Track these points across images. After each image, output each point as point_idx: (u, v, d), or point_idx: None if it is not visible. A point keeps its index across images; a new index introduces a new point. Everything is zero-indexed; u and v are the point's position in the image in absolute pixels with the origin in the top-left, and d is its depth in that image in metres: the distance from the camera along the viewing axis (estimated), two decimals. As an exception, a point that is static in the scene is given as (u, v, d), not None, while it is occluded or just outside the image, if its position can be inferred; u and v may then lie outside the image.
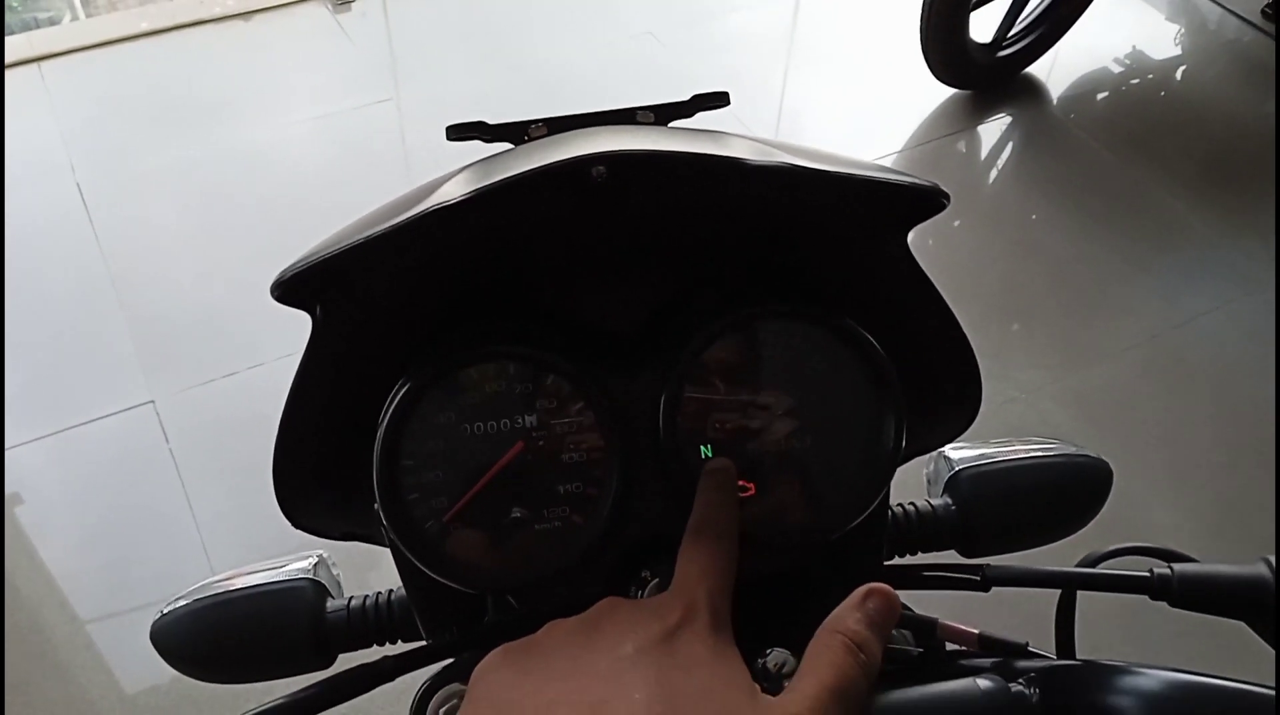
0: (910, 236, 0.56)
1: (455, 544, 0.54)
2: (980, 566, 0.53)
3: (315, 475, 0.58)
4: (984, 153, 2.90)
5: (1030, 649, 0.48)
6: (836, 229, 0.55)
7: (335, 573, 0.71)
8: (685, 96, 0.63)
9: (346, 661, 0.63)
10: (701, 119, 0.62)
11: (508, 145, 0.61)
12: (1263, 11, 3.31)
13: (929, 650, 0.53)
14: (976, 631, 0.48)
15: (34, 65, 3.03)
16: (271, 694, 0.53)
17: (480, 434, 0.54)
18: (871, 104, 3.01)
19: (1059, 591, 0.54)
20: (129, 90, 2.99)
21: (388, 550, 0.57)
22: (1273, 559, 0.48)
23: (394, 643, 0.66)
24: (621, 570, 0.55)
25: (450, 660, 0.57)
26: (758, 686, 0.41)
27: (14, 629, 1.84)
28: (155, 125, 2.87)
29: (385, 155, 2.80)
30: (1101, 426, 2.17)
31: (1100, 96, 3.07)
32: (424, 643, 0.57)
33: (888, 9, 3.19)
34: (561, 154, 0.48)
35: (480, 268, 0.55)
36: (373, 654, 0.58)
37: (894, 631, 0.55)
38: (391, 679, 0.53)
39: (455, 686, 0.57)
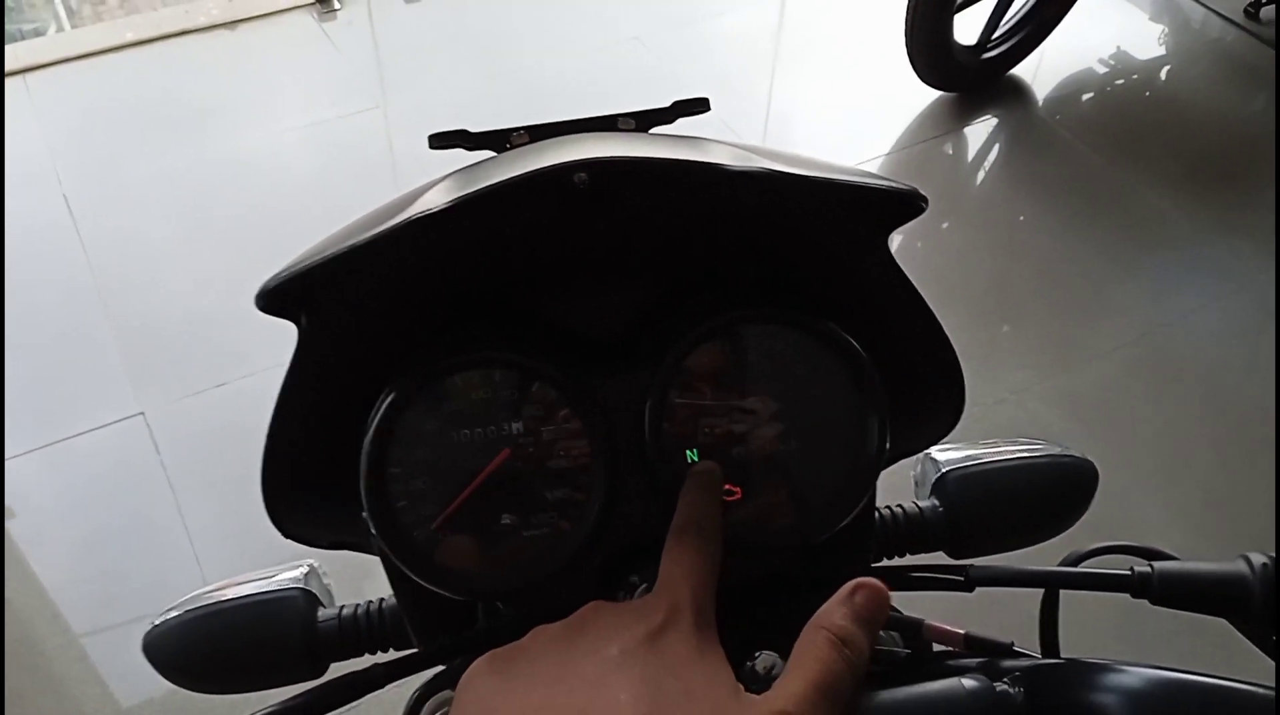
0: (897, 239, 0.57)
1: (444, 551, 0.54)
2: (964, 567, 0.53)
3: (303, 484, 0.58)
4: (970, 154, 2.91)
5: (1016, 648, 0.49)
6: (817, 233, 0.55)
7: (326, 582, 0.71)
8: (667, 103, 0.64)
9: (338, 671, 0.63)
10: (684, 124, 0.62)
11: (490, 153, 0.61)
12: (1245, 11, 3.33)
13: (915, 651, 0.54)
14: (962, 632, 0.49)
15: (20, 77, 3.02)
16: (264, 704, 0.53)
17: (467, 441, 0.54)
18: (858, 107, 3.02)
19: (1043, 591, 0.55)
20: (115, 101, 2.99)
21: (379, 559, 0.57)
22: (1252, 556, 0.48)
23: (385, 651, 0.66)
24: (609, 575, 0.55)
25: (441, 667, 0.57)
26: (741, 686, 0.41)
27: (7, 642, 1.83)
28: (142, 135, 2.86)
29: (372, 163, 2.80)
30: (1090, 426, 2.18)
31: (1085, 97, 3.08)
32: (415, 650, 0.58)
33: (872, 12, 3.20)
34: (543, 161, 0.48)
35: (464, 275, 0.56)
36: (365, 663, 0.58)
37: (881, 633, 0.56)
38: (382, 686, 0.53)
39: (446, 694, 0.57)
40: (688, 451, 0.55)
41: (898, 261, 0.56)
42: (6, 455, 2.10)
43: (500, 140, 0.62)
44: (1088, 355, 2.33)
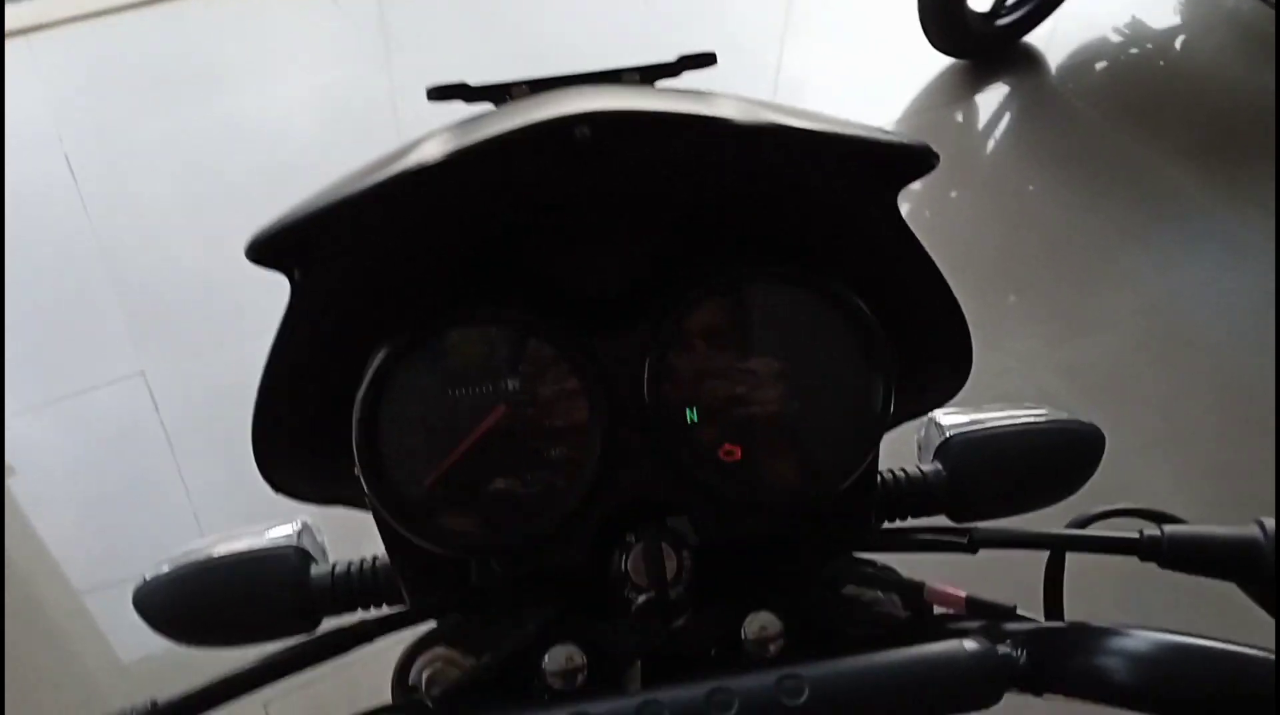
0: (906, 206, 0.55)
1: (437, 508, 0.53)
2: (968, 529, 0.52)
3: (295, 439, 0.57)
4: (981, 122, 2.88)
5: (1019, 612, 0.48)
6: (825, 190, 0.54)
7: (320, 539, 0.71)
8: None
9: (332, 627, 0.63)
10: (691, 81, 0.61)
11: (490, 106, 0.60)
12: (1263, -20, 3.28)
13: (916, 614, 0.53)
14: (964, 595, 0.48)
15: (23, 37, 2.99)
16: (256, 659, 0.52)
17: (462, 398, 0.53)
18: (869, 72, 2.99)
19: (1048, 554, 0.54)
20: (118, 62, 2.96)
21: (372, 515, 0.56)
22: (1266, 520, 0.47)
23: (379, 607, 0.65)
24: (605, 535, 0.54)
25: (434, 624, 0.57)
26: None
27: (7, 599, 1.84)
28: (145, 96, 2.84)
29: (376, 125, 2.78)
30: (1096, 396, 2.17)
31: (1099, 66, 3.04)
32: (406, 607, 0.57)
33: (885, -24, 3.16)
34: (543, 113, 0.47)
35: (461, 230, 0.54)
36: (358, 619, 0.58)
37: (880, 595, 0.55)
38: (371, 640, 0.53)
39: (439, 650, 0.56)
40: (687, 411, 0.54)
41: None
42: (6, 413, 2.10)
43: (500, 93, 0.60)
44: (1095, 326, 2.32)
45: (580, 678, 0.51)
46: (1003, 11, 2.90)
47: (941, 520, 0.68)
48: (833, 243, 0.56)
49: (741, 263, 0.54)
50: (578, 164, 0.50)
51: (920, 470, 0.69)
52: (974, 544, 0.52)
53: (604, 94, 0.52)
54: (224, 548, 0.66)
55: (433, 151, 0.46)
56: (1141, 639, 0.40)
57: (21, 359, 2.20)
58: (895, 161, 0.52)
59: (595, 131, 0.47)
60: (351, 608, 0.65)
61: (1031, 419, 0.71)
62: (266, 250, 0.49)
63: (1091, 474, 0.71)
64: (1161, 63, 3.08)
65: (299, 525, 0.69)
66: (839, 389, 0.55)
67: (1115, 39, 3.13)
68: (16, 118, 2.73)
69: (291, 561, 0.64)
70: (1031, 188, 2.68)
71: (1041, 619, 0.49)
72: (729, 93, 0.51)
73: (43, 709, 1.70)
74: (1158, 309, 2.35)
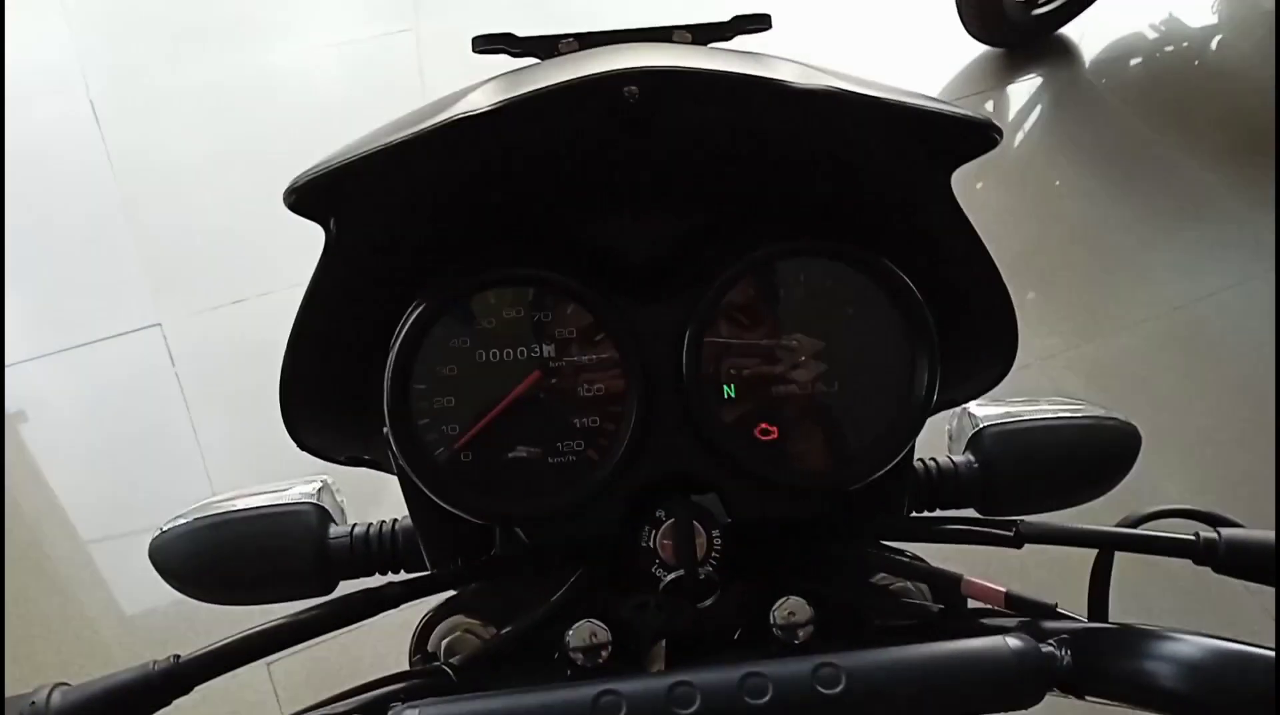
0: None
1: (465, 473, 0.52)
2: (1014, 522, 0.51)
3: (323, 394, 0.56)
4: (1012, 113, 2.85)
5: (1060, 610, 0.47)
6: (878, 163, 0.52)
7: (339, 499, 0.70)
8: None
9: (347, 590, 0.62)
10: (742, 44, 0.59)
11: (535, 60, 0.58)
12: (1304, -18, 3.22)
13: (950, 606, 0.52)
14: (1004, 590, 0.47)
15: (49, -23, 2.97)
16: (268, 618, 0.51)
17: (496, 361, 0.52)
18: (901, 57, 2.95)
19: (1084, 554, 0.52)
20: (147, 8, 2.94)
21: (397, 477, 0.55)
22: None
23: (396, 573, 0.64)
24: (634, 509, 0.53)
25: (454, 593, 0.56)
26: None
27: (14, 544, 1.84)
28: (172, 45, 2.82)
29: (402, 84, 2.75)
30: (1116, 396, 2.15)
31: (1133, 62, 3.00)
32: (428, 573, 0.56)
33: (922, -39, 3.11)
34: (592, 68, 0.45)
35: (502, 187, 0.53)
36: (374, 583, 0.57)
37: (913, 586, 0.54)
38: (396, 605, 0.52)
39: (459, 619, 0.55)
40: (724, 387, 0.53)
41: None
42: (22, 358, 2.09)
43: (548, 47, 0.59)
44: (1117, 325, 2.29)
45: (604, 654, 0.50)
46: (1041, 1, 2.85)
47: (970, 513, 0.67)
48: (882, 220, 0.55)
49: (787, 235, 0.53)
50: (624, 123, 0.48)
51: (951, 461, 0.67)
52: (1020, 538, 0.50)
53: (654, 51, 0.51)
54: (242, 503, 0.65)
55: (479, 101, 0.45)
56: (1189, 643, 0.39)
57: (39, 305, 2.20)
58: (955, 135, 0.50)
59: (644, 90, 0.45)
60: (369, 571, 0.63)
61: (1067, 414, 0.69)
62: (305, 196, 0.48)
63: (1126, 473, 0.69)
64: (1196, 62, 3.04)
65: (319, 484, 0.68)
66: (881, 372, 0.53)
67: (1151, 35, 3.09)
68: (42, 60, 2.71)
69: (310, 520, 0.63)
70: (1058, 182, 2.65)
71: (1082, 618, 0.48)
72: (784, 55, 0.49)
73: (41, 659, 1.70)
74: (1180, 311, 2.32)
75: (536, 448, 0.52)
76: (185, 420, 2.01)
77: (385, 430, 0.51)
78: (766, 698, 0.38)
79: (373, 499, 0.63)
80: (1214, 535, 0.47)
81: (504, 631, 0.51)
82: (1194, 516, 0.50)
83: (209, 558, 0.63)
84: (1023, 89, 2.89)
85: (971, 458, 0.67)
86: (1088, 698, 0.41)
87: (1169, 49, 3.06)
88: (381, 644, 1.55)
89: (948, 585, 0.50)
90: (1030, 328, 2.23)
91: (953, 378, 0.57)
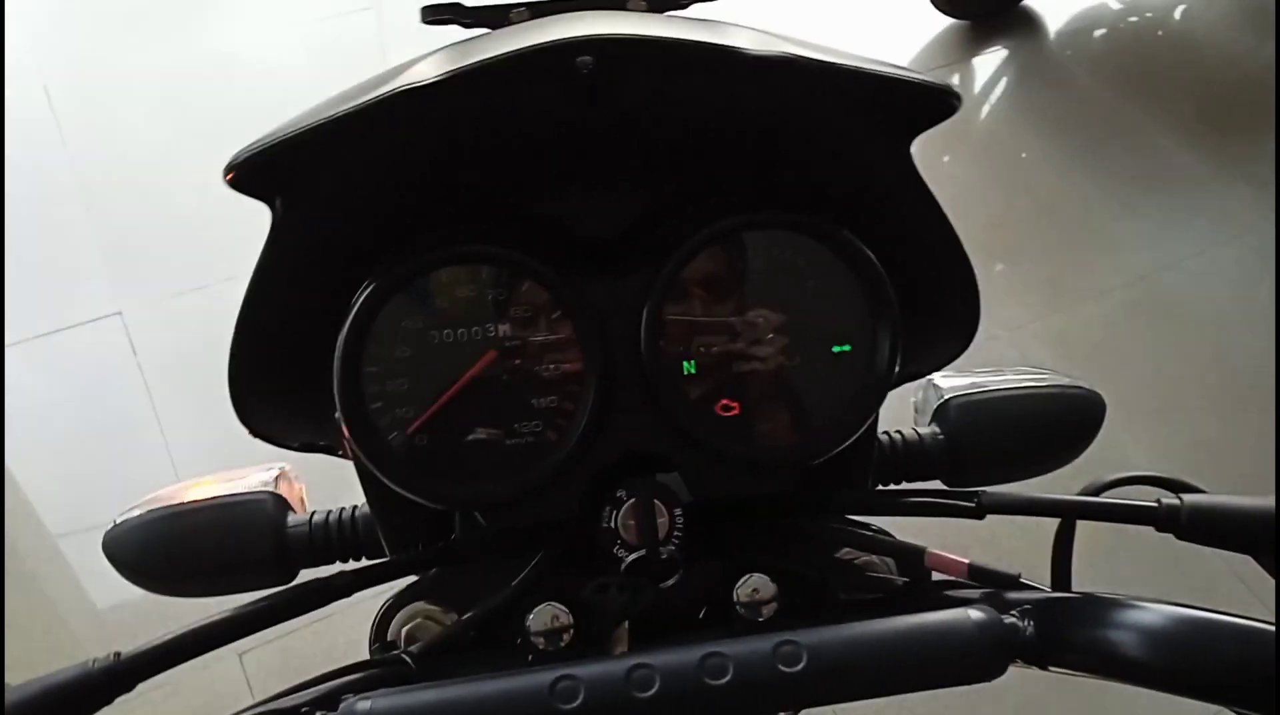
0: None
1: (420, 458, 0.51)
2: (975, 493, 0.50)
3: (274, 381, 0.55)
4: (978, 86, 2.84)
5: (1023, 580, 0.46)
6: (836, 132, 0.51)
7: (299, 486, 0.68)
8: (681, -12, 0.59)
9: (309, 578, 0.61)
10: (700, 12, 0.58)
11: (487, 31, 0.57)
12: (1266, -49, 3.24)
13: (914, 579, 0.51)
14: (966, 561, 0.46)
15: (0, -39, 2.91)
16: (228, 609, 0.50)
17: (450, 342, 0.51)
18: (867, 30, 2.94)
19: (1055, 523, 0.52)
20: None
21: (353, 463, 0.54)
22: None
23: (358, 560, 0.63)
24: (596, 490, 0.52)
25: (414, 578, 0.55)
26: None
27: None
28: (128, 27, 2.77)
29: (364, 65, 2.70)
30: (1083, 365, 2.16)
31: (1098, 33, 3.01)
32: (383, 560, 0.55)
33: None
34: (543, 37, 0.44)
35: (453, 162, 0.52)
36: (335, 571, 0.56)
37: (878, 560, 0.53)
38: (349, 594, 0.50)
39: (419, 605, 0.54)
40: (685, 363, 0.52)
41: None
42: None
43: (498, 16, 0.57)
44: (1083, 295, 2.30)
45: (566, 638, 0.49)
46: (1005, -28, 2.85)
47: (936, 485, 0.67)
48: (843, 191, 0.54)
49: (746, 208, 0.52)
50: (577, 94, 0.47)
51: (917, 433, 0.67)
52: (981, 509, 0.50)
53: (608, 19, 0.49)
54: (198, 493, 0.64)
55: (424, 73, 0.44)
56: (1153, 611, 0.39)
57: (-5, 296, 2.16)
58: (915, 102, 0.49)
59: (598, 59, 0.44)
60: (330, 559, 0.62)
61: (1031, 384, 0.69)
62: (246, 174, 0.46)
63: (1091, 441, 0.69)
64: (1160, 32, 3.05)
65: (276, 471, 0.67)
66: (843, 345, 0.53)
67: (1115, 6, 3.09)
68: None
69: (267, 509, 0.62)
70: (1024, 154, 2.65)
71: (1045, 588, 0.47)
72: (742, 23, 0.48)
73: (11, 655, 1.68)
74: (1146, 279, 2.34)
75: (494, 430, 0.51)
76: (149, 409, 1.99)
77: (337, 415, 0.50)
78: (727, 678, 0.37)
79: (347, 482, 0.62)
80: (1175, 502, 0.46)
81: (464, 618, 0.50)
82: (1156, 483, 0.50)
83: (164, 550, 0.62)
84: (989, 61, 2.89)
85: (937, 429, 0.67)
86: (1052, 668, 0.40)
87: (1133, 19, 3.07)
88: (357, 629, 1.54)
89: (912, 558, 0.50)
90: (998, 299, 2.25)
91: (916, 350, 0.57)
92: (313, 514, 0.63)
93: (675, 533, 0.51)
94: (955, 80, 2.83)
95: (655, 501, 0.51)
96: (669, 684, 0.37)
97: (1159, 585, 1.67)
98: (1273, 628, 0.38)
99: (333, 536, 0.62)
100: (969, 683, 0.39)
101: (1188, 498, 0.45)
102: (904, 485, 0.65)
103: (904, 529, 0.55)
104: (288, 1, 2.90)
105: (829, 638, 0.38)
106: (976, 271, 0.56)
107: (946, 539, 0.51)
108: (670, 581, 0.51)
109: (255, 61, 2.71)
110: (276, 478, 0.66)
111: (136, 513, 0.63)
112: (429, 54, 0.48)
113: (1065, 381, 0.70)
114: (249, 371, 0.53)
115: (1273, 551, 0.44)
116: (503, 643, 0.51)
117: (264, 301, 0.52)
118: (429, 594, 0.54)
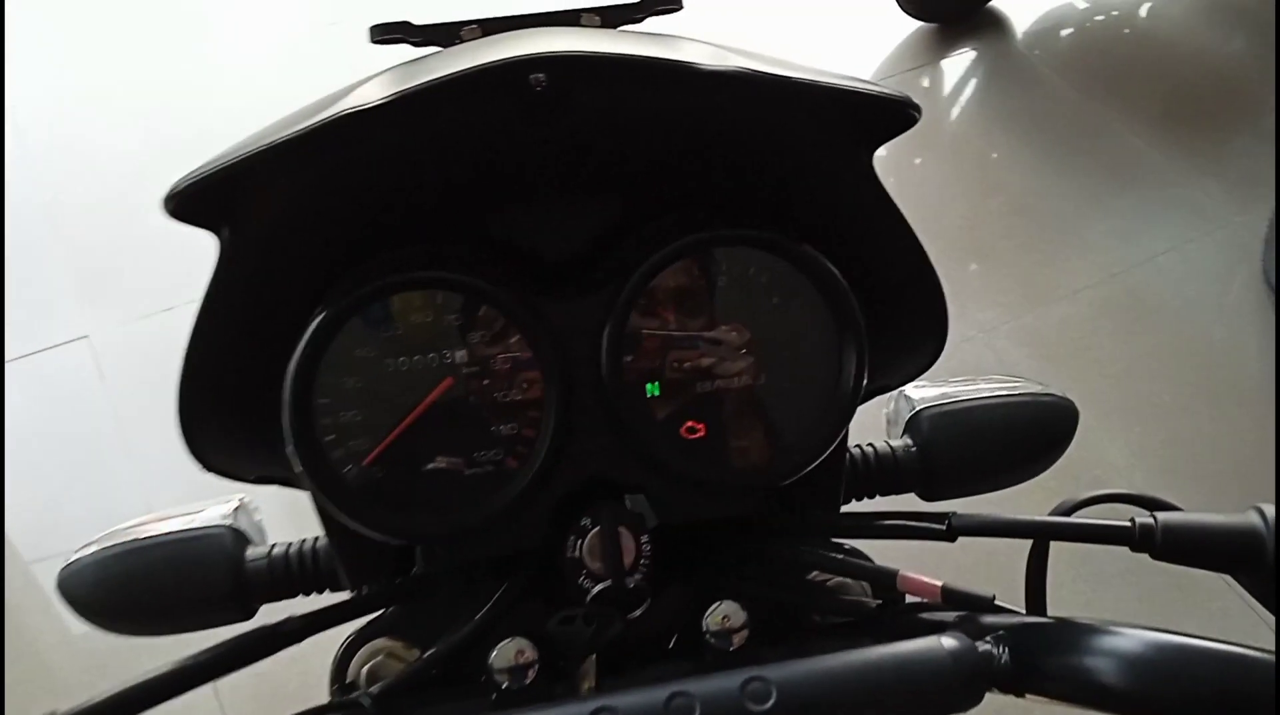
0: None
1: (377, 490, 0.49)
2: (946, 515, 0.49)
3: (225, 414, 0.53)
4: (947, 88, 2.85)
5: (997, 603, 0.45)
6: (797, 146, 0.50)
7: (257, 518, 0.66)
8: (636, -1, 0.58)
9: (270, 612, 0.59)
10: (655, 26, 0.57)
11: (437, 49, 0.55)
12: (1229, -52, 3.26)
13: (887, 602, 0.50)
14: (940, 584, 0.45)
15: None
16: (190, 648, 0.48)
17: (405, 369, 0.49)
18: (835, 35, 2.94)
19: (1029, 543, 0.51)
20: (65, 2, 2.85)
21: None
22: (1265, 507, 0.44)
23: (320, 592, 0.61)
24: (560, 518, 0.51)
25: (373, 615, 0.53)
26: None
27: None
28: (95, 42, 2.73)
29: (336, 80, 2.69)
30: (1058, 365, 2.16)
31: (1064, 32, 3.02)
32: (341, 597, 0.53)
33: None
34: (494, 56, 0.43)
35: (404, 185, 0.50)
36: (298, 605, 0.54)
37: (851, 582, 0.52)
38: (299, 640, 0.49)
39: (381, 642, 0.53)
40: (648, 385, 0.51)
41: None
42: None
43: (449, 34, 0.56)
44: (1057, 294, 2.31)
45: (531, 673, 0.47)
46: (971, -26, 2.86)
47: (911, 498, 0.66)
48: (805, 206, 0.53)
49: (707, 225, 0.51)
50: (532, 114, 0.46)
51: (889, 446, 0.66)
52: (953, 531, 0.49)
53: (561, 36, 0.48)
54: (154, 528, 0.62)
55: (370, 94, 0.42)
56: (1131, 637, 0.38)
57: (-43, 322, 2.12)
58: (873, 114, 0.48)
59: (552, 78, 0.43)
60: (291, 594, 0.61)
61: (1003, 392, 0.68)
62: (188, 203, 0.45)
63: (1064, 448, 0.68)
64: (1127, 30, 3.06)
65: (235, 504, 0.65)
66: (810, 362, 0.52)
67: (1081, 5, 3.11)
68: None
69: (225, 543, 0.60)
70: (995, 155, 2.66)
71: (1021, 609, 0.46)
72: (697, 37, 0.47)
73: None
74: (1119, 278, 2.34)
75: (453, 460, 0.50)
76: (117, 433, 1.96)
77: (289, 449, 0.48)
78: (693, 718, 0.36)
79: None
80: (1150, 520, 0.45)
81: (425, 656, 0.48)
82: (1130, 501, 0.49)
83: (119, 588, 0.60)
84: (957, 63, 2.90)
85: (909, 441, 0.66)
86: (1029, 696, 0.39)
87: (1099, 18, 3.08)
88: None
89: (884, 581, 0.48)
90: (972, 300, 2.25)
91: (883, 364, 0.56)
92: (272, 547, 0.62)
93: (643, 561, 0.49)
94: (925, 83, 2.84)
95: (621, 529, 0.49)
96: (634, 727, 0.35)
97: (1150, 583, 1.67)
98: (1258, 652, 0.36)
99: (293, 570, 0.60)
100: (944, 714, 0.38)
101: (1163, 516, 0.44)
102: (872, 507, 0.64)
103: (872, 545, 0.54)
104: (255, 17, 2.87)
105: (798, 672, 0.37)
106: (949, 272, 0.54)
107: (913, 554, 0.50)
108: (638, 612, 0.49)
109: (225, 77, 2.68)
110: (235, 510, 0.64)
111: (92, 549, 0.62)
112: (377, 74, 0.46)
113: (1037, 389, 0.69)
114: (199, 406, 0.52)
115: (1256, 570, 0.43)
116: (466, 679, 0.49)
117: (212, 333, 0.50)
118: (391, 629, 0.53)
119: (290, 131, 0.43)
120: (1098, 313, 2.27)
